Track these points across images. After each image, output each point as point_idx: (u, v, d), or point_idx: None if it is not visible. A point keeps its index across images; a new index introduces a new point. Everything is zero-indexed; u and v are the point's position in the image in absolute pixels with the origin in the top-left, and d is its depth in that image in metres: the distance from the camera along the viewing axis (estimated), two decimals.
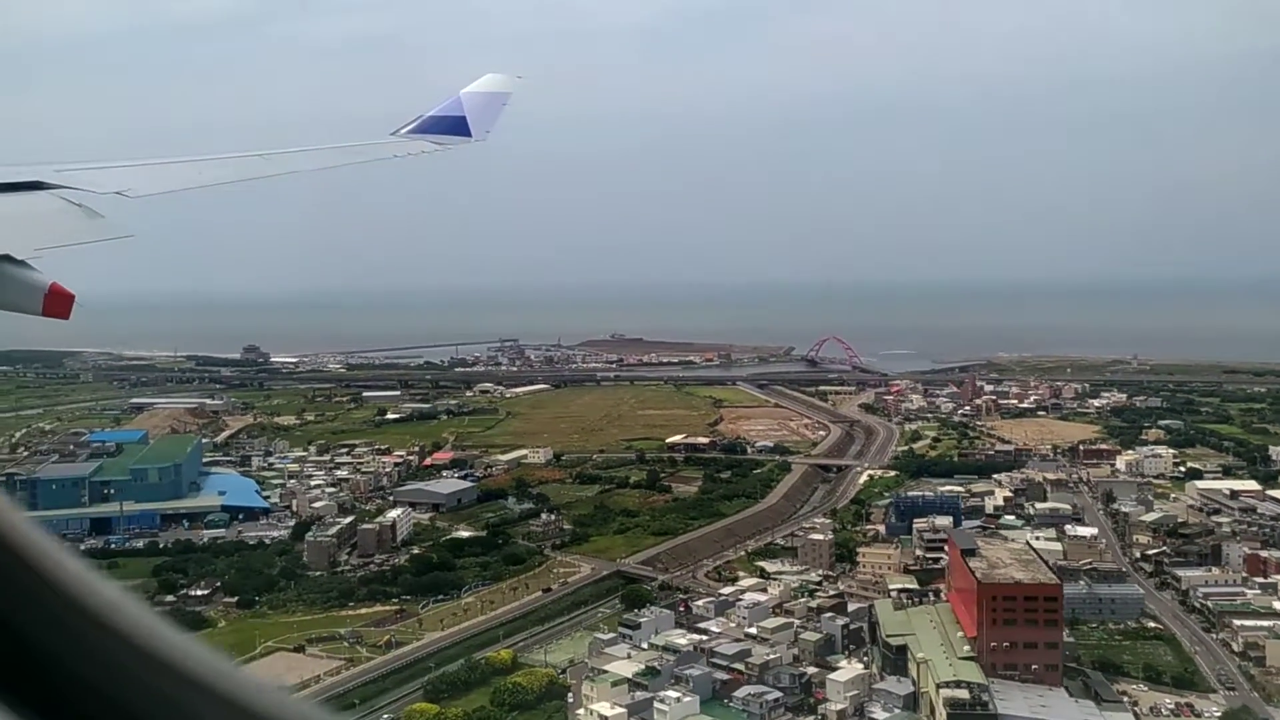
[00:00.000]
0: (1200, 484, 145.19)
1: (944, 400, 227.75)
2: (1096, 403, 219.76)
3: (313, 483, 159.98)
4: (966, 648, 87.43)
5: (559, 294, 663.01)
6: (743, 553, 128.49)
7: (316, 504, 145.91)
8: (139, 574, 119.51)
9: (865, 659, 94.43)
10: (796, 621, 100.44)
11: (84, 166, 13.71)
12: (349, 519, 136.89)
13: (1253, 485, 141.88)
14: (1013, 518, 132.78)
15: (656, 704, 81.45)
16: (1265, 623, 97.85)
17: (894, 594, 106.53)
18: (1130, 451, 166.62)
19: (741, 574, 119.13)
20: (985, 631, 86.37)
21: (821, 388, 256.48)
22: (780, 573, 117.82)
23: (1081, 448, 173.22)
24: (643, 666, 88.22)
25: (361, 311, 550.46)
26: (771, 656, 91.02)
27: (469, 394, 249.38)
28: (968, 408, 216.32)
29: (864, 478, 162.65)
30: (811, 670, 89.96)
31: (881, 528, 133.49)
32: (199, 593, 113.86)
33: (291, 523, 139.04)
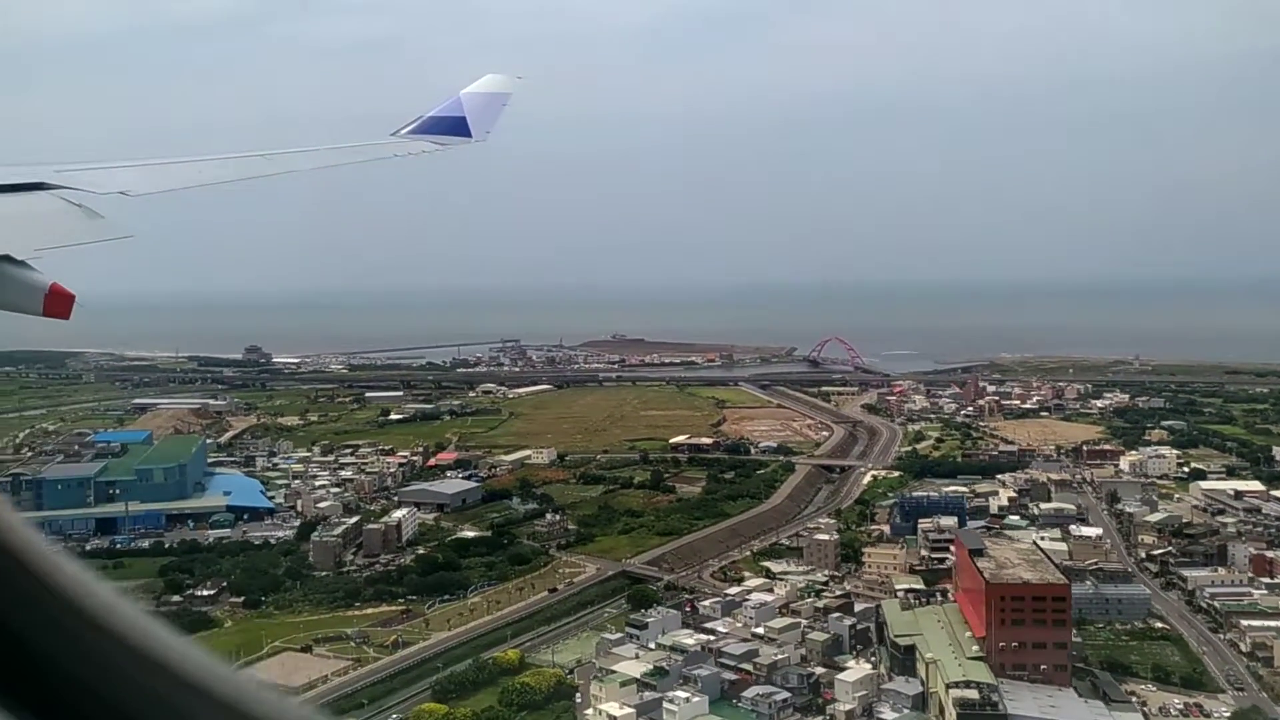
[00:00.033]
0: (1204, 484, 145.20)
1: (946, 401, 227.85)
2: (1099, 403, 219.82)
3: (317, 483, 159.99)
4: (975, 648, 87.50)
5: (559, 294, 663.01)
6: (748, 553, 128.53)
7: (321, 504, 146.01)
8: (145, 574, 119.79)
9: (873, 659, 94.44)
10: (803, 622, 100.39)
11: (84, 167, 13.71)
12: (354, 519, 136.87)
13: (1257, 486, 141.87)
14: (1017, 518, 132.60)
15: (666, 704, 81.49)
16: (1273, 623, 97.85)
17: (900, 594, 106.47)
18: (1134, 452, 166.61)
19: (747, 574, 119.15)
20: (994, 632, 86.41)
21: (824, 388, 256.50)
22: (786, 573, 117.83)
23: (1085, 448, 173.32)
24: (651, 667, 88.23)
25: (362, 311, 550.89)
26: (779, 657, 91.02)
27: (471, 394, 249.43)
28: (970, 408, 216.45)
29: (868, 478, 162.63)
30: (819, 670, 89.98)
31: (886, 528, 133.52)
32: (205, 593, 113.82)
33: (297, 523, 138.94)
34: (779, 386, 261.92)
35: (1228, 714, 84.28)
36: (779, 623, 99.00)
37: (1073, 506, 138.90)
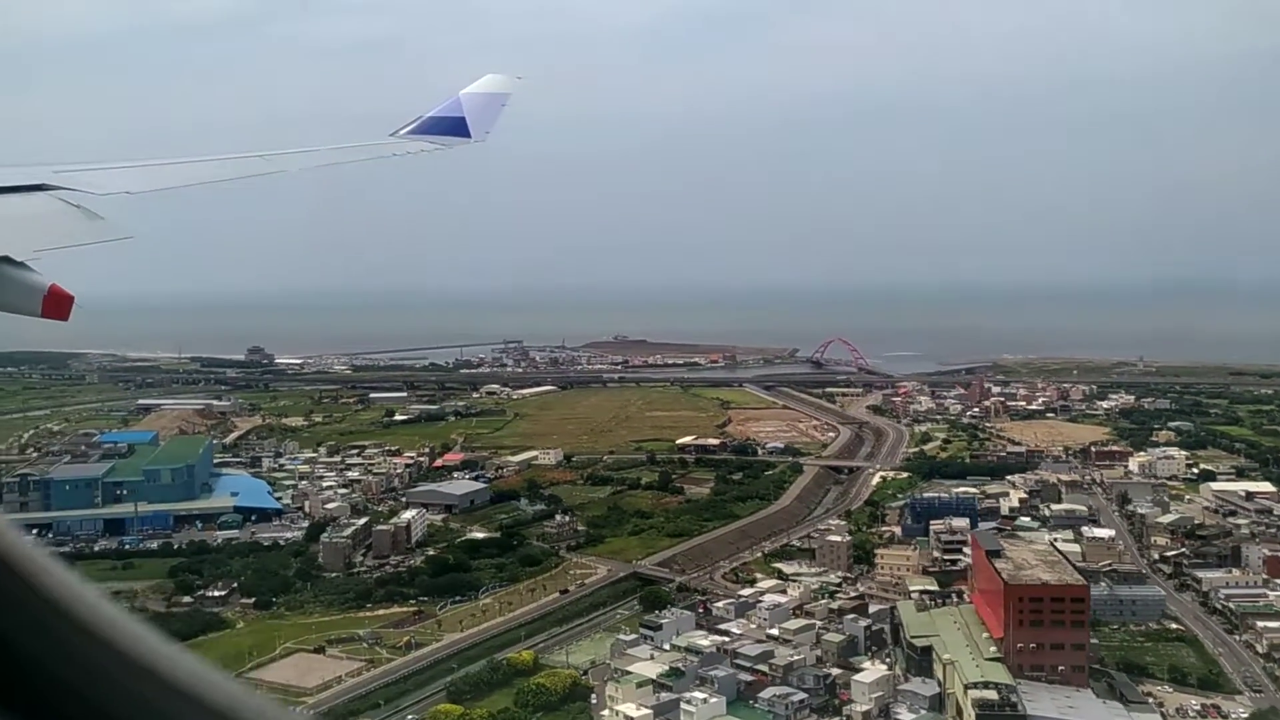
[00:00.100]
0: (1215, 486, 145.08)
1: (952, 402, 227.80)
2: (1105, 404, 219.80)
3: (324, 484, 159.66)
4: (993, 649, 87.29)
5: (560, 295, 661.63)
6: (759, 554, 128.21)
7: (329, 505, 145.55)
8: (155, 575, 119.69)
9: (889, 660, 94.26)
10: (818, 623, 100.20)
11: (84, 167, 13.66)
12: (363, 520, 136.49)
13: (1267, 487, 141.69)
14: (1029, 519, 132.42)
15: (683, 705, 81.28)
16: None
17: (915, 595, 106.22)
18: (1142, 453, 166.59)
19: (759, 575, 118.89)
20: (1012, 632, 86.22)
21: (828, 389, 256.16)
22: (798, 574, 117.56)
23: (1093, 449, 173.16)
24: (666, 668, 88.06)
25: (363, 312, 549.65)
26: (795, 658, 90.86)
27: (475, 395, 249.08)
28: (976, 409, 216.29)
29: (876, 479, 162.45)
30: (835, 672, 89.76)
31: (898, 529, 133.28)
32: (216, 594, 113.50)
33: (304, 524, 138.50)
34: (783, 387, 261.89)
35: (1245, 715, 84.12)
36: (793, 624, 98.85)
37: (1084, 508, 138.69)
